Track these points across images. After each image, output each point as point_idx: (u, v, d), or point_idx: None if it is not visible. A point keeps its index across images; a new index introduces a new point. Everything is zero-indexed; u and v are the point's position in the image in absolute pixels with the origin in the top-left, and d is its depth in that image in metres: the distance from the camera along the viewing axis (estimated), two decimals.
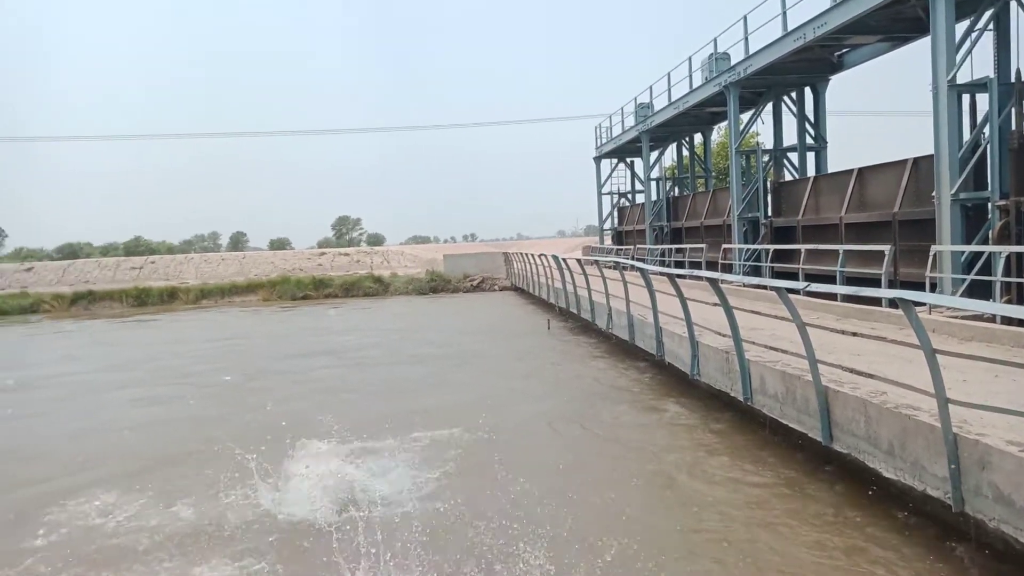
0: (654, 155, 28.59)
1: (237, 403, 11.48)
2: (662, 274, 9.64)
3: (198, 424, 10.14)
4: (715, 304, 7.67)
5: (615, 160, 33.24)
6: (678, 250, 22.19)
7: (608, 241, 33.86)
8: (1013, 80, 10.17)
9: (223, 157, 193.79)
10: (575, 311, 16.94)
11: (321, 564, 5.20)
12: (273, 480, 6.90)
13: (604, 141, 32.21)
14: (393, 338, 18.65)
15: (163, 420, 10.68)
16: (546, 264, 21.22)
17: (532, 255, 24.90)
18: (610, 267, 14.96)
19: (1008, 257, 9.11)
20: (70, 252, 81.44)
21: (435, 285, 34.45)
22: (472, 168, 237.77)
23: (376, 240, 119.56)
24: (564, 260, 17.68)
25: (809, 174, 17.53)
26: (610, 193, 33.79)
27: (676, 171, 30.68)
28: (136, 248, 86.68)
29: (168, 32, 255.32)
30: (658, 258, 22.91)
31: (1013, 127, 9.94)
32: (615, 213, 33.71)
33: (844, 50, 16.06)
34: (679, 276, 9.04)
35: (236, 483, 6.95)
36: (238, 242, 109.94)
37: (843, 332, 7.77)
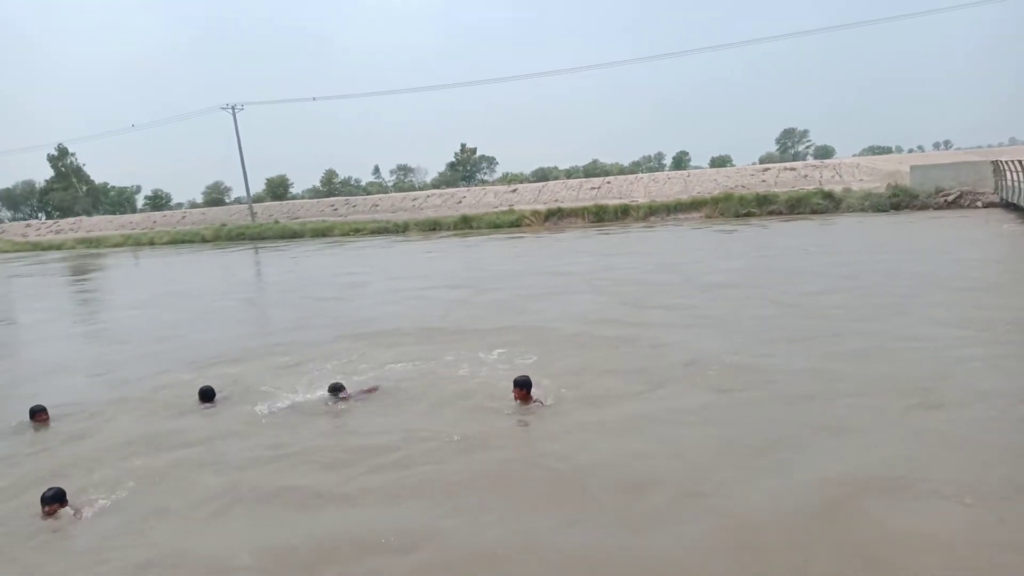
0: None
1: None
2: None
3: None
4: None
5: None
6: None
7: None
8: None
9: (675, 81, 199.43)
10: None
11: None
12: None
13: None
14: (854, 260, 17.23)
15: None
16: None
17: None
18: None
19: None
20: (542, 175, 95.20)
21: (897, 201, 30.43)
22: (951, 59, 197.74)
23: (825, 153, 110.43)
24: None
25: None
26: None
27: None
28: (593, 170, 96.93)
29: None
30: None
31: None
32: None
33: None
34: None
35: None
36: (681, 161, 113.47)
37: None
